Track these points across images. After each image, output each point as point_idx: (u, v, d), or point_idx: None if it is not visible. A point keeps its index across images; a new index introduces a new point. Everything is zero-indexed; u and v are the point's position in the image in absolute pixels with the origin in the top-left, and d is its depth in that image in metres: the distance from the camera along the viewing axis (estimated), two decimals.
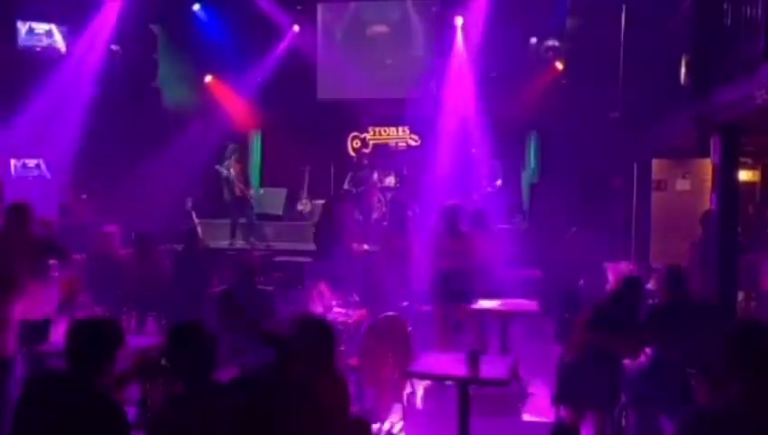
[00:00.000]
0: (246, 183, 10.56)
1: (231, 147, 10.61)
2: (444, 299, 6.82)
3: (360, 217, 10.45)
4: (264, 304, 5.71)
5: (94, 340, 2.86)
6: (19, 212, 5.45)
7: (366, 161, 11.04)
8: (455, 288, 6.70)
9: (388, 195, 10.56)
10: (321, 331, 3.37)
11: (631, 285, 4.74)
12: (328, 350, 3.32)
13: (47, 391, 2.83)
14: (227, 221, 10.64)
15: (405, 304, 6.75)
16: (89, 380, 2.81)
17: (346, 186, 10.61)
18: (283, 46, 12.01)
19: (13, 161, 10.14)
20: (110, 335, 2.92)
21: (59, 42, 10.35)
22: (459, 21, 11.41)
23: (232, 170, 10.17)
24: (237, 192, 10.25)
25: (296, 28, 11.95)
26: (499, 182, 10.30)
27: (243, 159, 10.73)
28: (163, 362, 3.24)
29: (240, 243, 10.34)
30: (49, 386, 2.87)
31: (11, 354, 4.44)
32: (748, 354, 2.54)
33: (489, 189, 10.10)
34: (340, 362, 3.46)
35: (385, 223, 9.77)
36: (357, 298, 6.97)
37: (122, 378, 3.37)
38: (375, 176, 10.79)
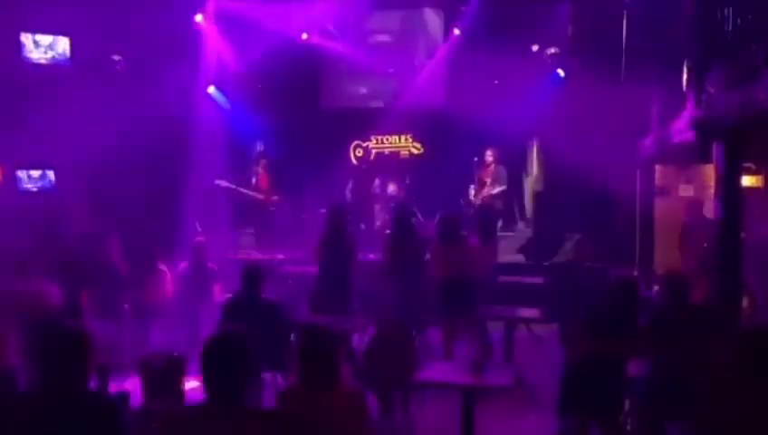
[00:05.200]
0: (271, 191, 10.52)
1: (258, 152, 10.74)
2: (447, 307, 6.82)
3: (363, 226, 10.46)
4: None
5: (67, 346, 2.86)
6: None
7: (364, 166, 11.02)
8: (458, 297, 6.69)
9: (392, 203, 10.56)
10: (326, 339, 3.36)
11: (627, 287, 4.71)
12: (334, 358, 3.32)
13: (38, 407, 2.80)
14: (231, 230, 10.72)
15: (408, 312, 6.74)
16: (72, 385, 2.81)
17: (348, 194, 10.61)
18: (286, 55, 12.04)
19: (19, 172, 10.20)
20: (79, 339, 2.91)
21: (63, 53, 10.41)
22: (457, 31, 11.41)
23: (229, 183, 10.23)
24: (256, 200, 10.34)
25: (305, 36, 11.97)
26: (503, 188, 10.21)
27: (268, 167, 10.70)
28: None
29: (242, 252, 10.37)
30: (38, 402, 2.83)
31: (11, 367, 4.44)
32: (762, 361, 2.53)
33: (491, 193, 10.06)
34: (345, 370, 3.44)
35: (388, 231, 9.75)
36: (361, 307, 6.98)
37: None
38: (377, 184, 10.79)
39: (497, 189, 10.07)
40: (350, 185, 10.76)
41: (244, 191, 10.35)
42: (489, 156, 10.26)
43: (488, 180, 10.14)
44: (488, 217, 9.90)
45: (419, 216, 10.92)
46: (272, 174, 10.57)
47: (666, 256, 8.90)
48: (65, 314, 5.27)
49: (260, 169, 10.54)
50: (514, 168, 11.24)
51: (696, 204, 8.58)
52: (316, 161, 11.88)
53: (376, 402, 5.27)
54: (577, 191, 10.04)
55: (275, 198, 10.50)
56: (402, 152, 12.52)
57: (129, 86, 10.72)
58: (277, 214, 10.66)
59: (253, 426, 2.75)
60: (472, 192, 10.29)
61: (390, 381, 5.28)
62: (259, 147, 12.28)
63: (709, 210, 8.21)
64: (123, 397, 3.90)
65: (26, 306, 4.67)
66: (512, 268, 9.54)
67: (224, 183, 10.19)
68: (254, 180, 10.53)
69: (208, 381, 2.75)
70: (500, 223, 10.86)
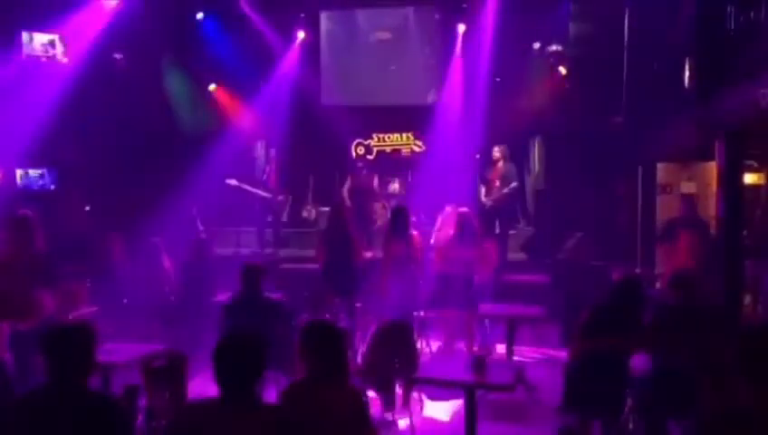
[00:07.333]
0: (278, 189, 10.52)
1: (269, 150, 10.81)
2: (449, 305, 6.82)
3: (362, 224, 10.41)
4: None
5: (71, 344, 2.87)
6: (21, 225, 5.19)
7: (360, 164, 10.98)
8: (459, 293, 6.69)
9: (393, 202, 10.54)
10: (329, 336, 3.35)
11: (630, 285, 4.70)
12: (337, 356, 3.31)
13: (42, 407, 2.80)
14: (232, 229, 10.72)
15: (409, 309, 6.74)
16: (76, 383, 2.82)
17: (345, 192, 10.59)
18: (286, 53, 12.05)
19: (18, 171, 10.18)
20: (84, 336, 2.92)
21: (61, 51, 10.39)
22: (461, 28, 11.41)
23: (239, 183, 10.25)
24: (262, 198, 10.34)
25: (301, 35, 11.96)
26: (515, 184, 9.99)
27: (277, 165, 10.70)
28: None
29: (245, 251, 10.37)
30: (40, 401, 2.83)
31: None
32: (762, 357, 2.53)
33: (505, 191, 9.85)
34: (347, 368, 3.43)
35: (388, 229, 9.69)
36: (362, 305, 6.98)
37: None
38: (376, 182, 10.76)
39: (509, 188, 9.76)
40: (347, 183, 10.73)
41: (253, 190, 10.33)
42: (497, 152, 9.87)
43: (497, 180, 9.90)
44: (493, 216, 9.83)
45: (421, 214, 10.92)
46: (279, 173, 10.58)
47: (667, 253, 8.88)
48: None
49: (270, 168, 10.53)
50: (516, 166, 11.22)
51: (690, 200, 8.33)
52: (317, 160, 11.88)
53: (377, 400, 5.27)
54: (579, 189, 10.02)
55: (281, 197, 10.50)
56: (404, 150, 12.51)
57: (129, 84, 10.72)
58: (280, 212, 10.67)
59: (263, 422, 2.78)
60: (483, 192, 10.14)
61: (391, 378, 5.27)
62: (262, 145, 12.29)
63: (711, 208, 8.21)
64: (131, 391, 3.87)
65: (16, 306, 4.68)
66: (514, 266, 9.52)
67: (234, 182, 10.19)
68: (264, 177, 10.52)
69: (222, 379, 2.79)
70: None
